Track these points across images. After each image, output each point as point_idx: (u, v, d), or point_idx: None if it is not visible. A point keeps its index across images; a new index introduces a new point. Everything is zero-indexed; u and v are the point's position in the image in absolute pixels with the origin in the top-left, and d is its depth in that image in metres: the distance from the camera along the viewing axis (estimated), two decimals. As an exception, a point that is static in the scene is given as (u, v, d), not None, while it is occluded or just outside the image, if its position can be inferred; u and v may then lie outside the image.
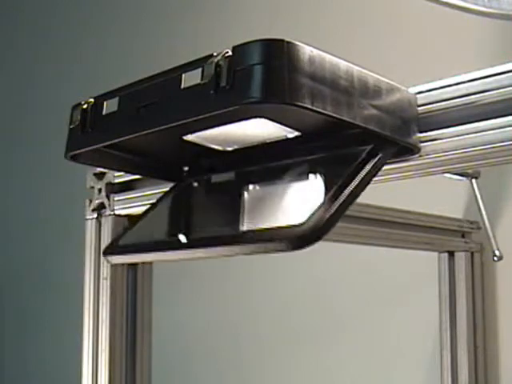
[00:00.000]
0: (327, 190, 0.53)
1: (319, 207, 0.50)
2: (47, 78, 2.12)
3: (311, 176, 0.58)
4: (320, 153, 0.58)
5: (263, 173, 0.62)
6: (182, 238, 0.61)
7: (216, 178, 0.66)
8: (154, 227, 0.68)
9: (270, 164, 0.62)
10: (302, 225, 0.49)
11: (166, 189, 0.77)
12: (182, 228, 0.67)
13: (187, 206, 0.68)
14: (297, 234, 0.49)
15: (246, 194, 0.61)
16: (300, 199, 0.58)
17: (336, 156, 0.57)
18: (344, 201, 0.51)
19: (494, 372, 1.15)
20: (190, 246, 0.60)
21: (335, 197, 0.51)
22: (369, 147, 0.54)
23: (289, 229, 0.51)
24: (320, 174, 0.57)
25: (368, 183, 0.53)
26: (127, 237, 0.66)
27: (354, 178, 0.52)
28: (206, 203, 0.67)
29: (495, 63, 0.54)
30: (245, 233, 0.58)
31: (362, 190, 0.52)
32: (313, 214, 0.50)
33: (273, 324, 1.47)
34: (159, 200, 0.69)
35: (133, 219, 0.69)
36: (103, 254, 0.68)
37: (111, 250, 0.67)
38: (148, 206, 0.77)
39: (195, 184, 0.68)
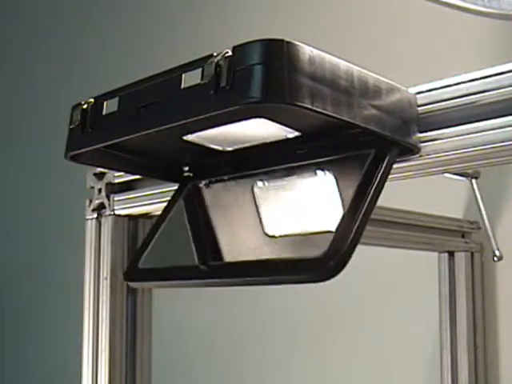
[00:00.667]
0: (343, 202, 0.53)
1: (339, 229, 0.50)
2: (47, 78, 2.12)
3: (321, 182, 0.58)
4: (322, 154, 0.58)
5: (268, 174, 0.62)
6: (204, 267, 0.61)
7: (221, 181, 0.66)
8: (171, 247, 0.67)
9: (272, 165, 0.62)
10: (326, 256, 0.49)
11: (166, 189, 0.77)
12: (201, 250, 0.66)
13: (201, 218, 0.67)
14: (323, 268, 0.49)
15: (258, 200, 0.61)
16: (316, 213, 0.58)
17: (342, 159, 0.57)
18: (361, 222, 0.50)
19: (494, 372, 1.15)
20: (213, 275, 0.59)
21: (352, 215, 0.51)
22: (372, 151, 0.54)
23: (313, 261, 0.51)
24: (330, 179, 0.57)
25: (380, 193, 0.53)
26: (146, 258, 0.66)
27: (366, 190, 0.52)
28: (220, 214, 0.67)
29: (495, 63, 0.54)
30: (267, 261, 0.58)
31: (376, 202, 0.52)
32: (334, 240, 0.50)
33: (273, 324, 1.47)
34: (168, 208, 0.68)
35: (147, 238, 0.67)
36: (124, 278, 0.67)
37: (132, 274, 0.66)
38: (150, 209, 0.76)
39: (200, 185, 0.67)
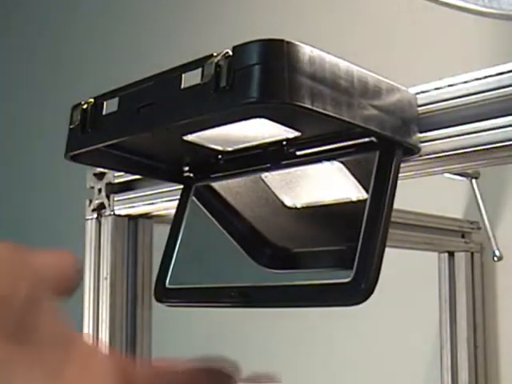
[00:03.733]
0: (358, 214, 0.52)
1: (363, 249, 0.51)
2: (47, 77, 2.12)
3: (330, 189, 0.58)
4: (323, 155, 0.58)
5: (277, 179, 0.62)
6: (234, 293, 0.62)
7: (226, 178, 0.65)
8: (196, 262, 0.67)
9: (274, 166, 0.62)
10: (355, 281, 0.51)
11: (166, 189, 0.77)
12: (228, 270, 0.66)
13: (216, 226, 0.67)
14: (354, 292, 0.52)
15: (271, 186, 0.61)
16: (333, 227, 0.58)
17: (348, 163, 0.57)
18: (383, 235, 0.51)
19: (494, 372, 1.15)
20: (243, 300, 0.60)
21: (373, 229, 0.50)
22: (377, 153, 0.54)
23: (343, 285, 0.52)
24: (339, 187, 0.57)
25: (394, 198, 0.52)
26: (173, 276, 0.66)
27: (381, 198, 0.51)
28: (236, 208, 0.66)
29: (495, 63, 0.54)
30: (295, 286, 0.58)
31: (392, 208, 0.52)
32: (359, 263, 0.51)
33: (273, 323, 1.47)
34: (180, 212, 0.67)
35: (168, 250, 0.66)
36: (156, 299, 0.68)
37: (162, 295, 0.67)
38: (150, 209, 0.76)
39: (208, 185, 0.67)
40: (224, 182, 0.65)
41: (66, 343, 0.34)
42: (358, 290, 0.49)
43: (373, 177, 0.53)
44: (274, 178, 0.61)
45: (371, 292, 0.49)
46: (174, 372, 0.43)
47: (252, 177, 0.62)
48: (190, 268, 0.66)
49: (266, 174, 0.61)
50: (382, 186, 0.52)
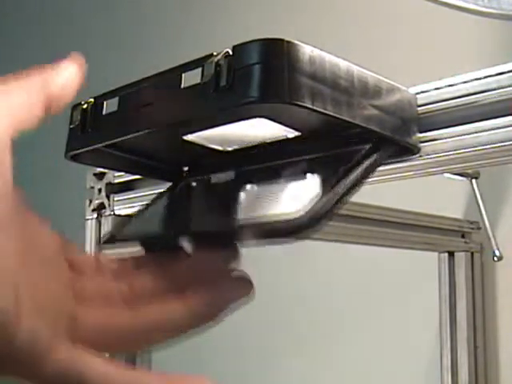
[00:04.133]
0: (324, 185, 0.53)
1: (315, 198, 0.50)
2: (47, 78, 2.12)
3: (309, 174, 0.58)
4: (320, 153, 0.58)
5: (262, 172, 0.62)
6: (177, 233, 0.61)
7: (215, 178, 0.66)
8: (147, 224, 0.68)
9: (269, 164, 0.62)
10: (298, 215, 0.49)
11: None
12: (177, 224, 0.66)
13: (183, 205, 0.68)
14: (294, 224, 0.49)
15: (244, 193, 0.61)
16: (297, 194, 0.57)
17: (335, 155, 0.57)
18: (341, 193, 0.50)
19: (494, 372, 1.15)
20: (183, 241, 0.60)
21: (331, 189, 0.50)
22: (367, 146, 0.54)
23: (285, 220, 0.50)
24: (318, 171, 0.57)
25: (365, 177, 0.52)
26: (123, 232, 0.66)
27: (350, 172, 0.52)
28: (204, 202, 0.67)
29: (495, 63, 0.54)
30: (241, 227, 0.58)
31: (361, 181, 0.52)
32: (309, 205, 0.50)
33: (273, 323, 1.47)
34: (154, 199, 0.69)
35: (125, 220, 0.68)
36: (99, 246, 0.67)
37: (107, 241, 0.67)
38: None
39: (193, 184, 0.67)
40: (208, 186, 0.66)
41: None
42: (302, 223, 0.48)
43: (353, 161, 0.53)
44: (252, 193, 0.61)
45: (311, 227, 0.48)
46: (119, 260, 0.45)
47: (238, 189, 0.62)
48: (138, 229, 0.66)
49: (254, 186, 0.61)
50: (355, 165, 0.52)
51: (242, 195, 0.61)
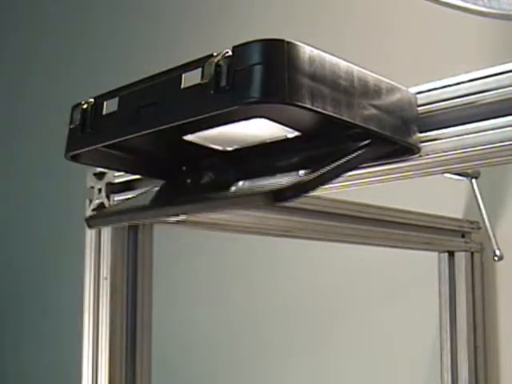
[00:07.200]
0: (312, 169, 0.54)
1: (300, 175, 0.52)
2: (47, 77, 2.12)
3: (301, 163, 0.58)
4: (317, 150, 0.58)
5: (260, 170, 0.62)
6: (165, 200, 0.62)
7: (211, 175, 0.66)
8: (137, 200, 0.68)
9: (273, 166, 0.62)
10: (281, 185, 0.51)
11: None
12: (166, 195, 0.67)
13: (176, 188, 0.68)
14: (276, 189, 0.51)
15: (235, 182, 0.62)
16: (285, 175, 0.59)
17: (331, 151, 0.57)
18: (324, 173, 0.52)
19: (494, 372, 1.15)
20: (171, 204, 0.60)
21: (316, 170, 0.52)
22: (363, 143, 0.55)
23: (269, 187, 0.53)
24: (311, 165, 0.57)
25: (352, 166, 0.54)
26: (109, 210, 0.67)
27: (336, 160, 0.53)
28: (194, 185, 0.67)
29: (495, 63, 0.54)
30: (227, 192, 0.59)
31: (346, 168, 0.53)
32: (293, 178, 0.52)
33: (273, 323, 1.47)
34: (142, 192, 0.69)
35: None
36: (86, 220, 0.68)
37: (94, 218, 0.68)
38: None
39: (188, 181, 0.68)
40: (202, 179, 0.67)
41: None
42: (283, 189, 0.51)
43: (343, 152, 0.54)
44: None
45: (293, 195, 0.50)
46: None
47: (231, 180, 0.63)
48: (128, 204, 0.67)
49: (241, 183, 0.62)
50: (343, 155, 0.53)
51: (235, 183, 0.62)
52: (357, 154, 0.54)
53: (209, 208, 0.58)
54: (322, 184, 0.52)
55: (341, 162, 0.53)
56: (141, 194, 0.70)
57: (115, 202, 0.84)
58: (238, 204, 0.56)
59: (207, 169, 0.66)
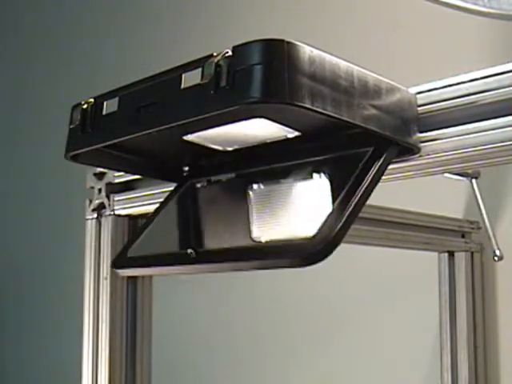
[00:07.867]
0: (334, 196, 0.53)
1: (328, 218, 0.50)
2: (47, 77, 2.12)
3: (316, 179, 0.58)
4: (321, 153, 0.58)
5: (267, 174, 0.62)
6: (192, 251, 0.61)
7: (218, 179, 0.66)
8: (161, 237, 0.67)
9: (272, 165, 0.62)
10: (313, 238, 0.49)
11: (166, 189, 0.77)
12: (190, 238, 0.66)
13: (193, 212, 0.68)
14: (308, 251, 0.49)
15: (251, 199, 0.61)
16: (308, 205, 0.58)
17: (339, 158, 0.57)
18: (352, 210, 0.50)
19: (494, 372, 1.15)
20: (200, 260, 0.59)
21: (344, 205, 0.51)
22: (371, 149, 0.54)
23: (300, 243, 0.51)
24: (325, 177, 0.57)
25: (374, 187, 0.53)
26: (135, 248, 0.66)
27: (360, 184, 0.52)
28: (213, 209, 0.67)
29: (495, 63, 0.54)
30: (255, 246, 0.58)
31: (369, 195, 0.52)
32: (323, 227, 0.49)
33: (273, 323, 1.47)
34: (163, 204, 0.68)
35: (138, 227, 0.68)
36: (112, 266, 0.67)
37: (121, 262, 0.66)
38: (150, 209, 0.76)
39: (198, 185, 0.67)
40: (212, 187, 0.66)
41: None
42: (316, 250, 0.49)
43: (359, 168, 0.53)
44: (258, 195, 0.61)
45: (327, 254, 0.49)
46: None
47: (240, 188, 0.62)
48: (153, 243, 0.66)
49: (256, 187, 0.61)
50: (364, 175, 0.53)
51: (252, 202, 0.61)
52: (374, 172, 0.53)
53: (233, 270, 0.57)
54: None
55: (361, 190, 0.51)
56: (157, 214, 0.68)
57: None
58: (265, 267, 0.55)
59: (208, 169, 0.66)
